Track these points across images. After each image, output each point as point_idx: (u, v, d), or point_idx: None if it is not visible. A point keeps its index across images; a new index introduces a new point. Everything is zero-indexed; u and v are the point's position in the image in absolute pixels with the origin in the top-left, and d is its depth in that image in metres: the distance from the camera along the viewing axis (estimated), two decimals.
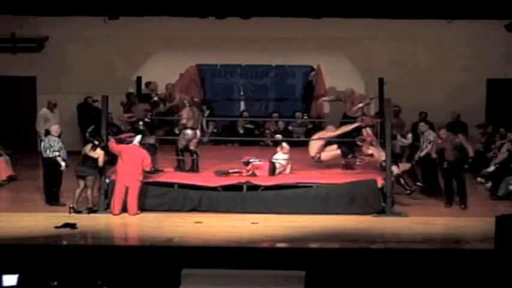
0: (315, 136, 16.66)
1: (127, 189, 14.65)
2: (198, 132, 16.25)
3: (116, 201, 14.65)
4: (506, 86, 20.10)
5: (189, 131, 15.98)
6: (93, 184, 14.86)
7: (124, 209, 14.66)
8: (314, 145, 16.30)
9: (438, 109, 19.73)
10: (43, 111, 18.95)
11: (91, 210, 14.75)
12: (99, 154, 14.85)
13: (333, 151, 16.29)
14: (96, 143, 14.96)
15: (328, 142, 16.40)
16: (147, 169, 14.86)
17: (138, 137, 15.22)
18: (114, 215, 14.59)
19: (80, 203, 14.89)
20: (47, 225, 13.81)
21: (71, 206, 14.74)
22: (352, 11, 16.13)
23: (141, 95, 18.28)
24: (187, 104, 16.31)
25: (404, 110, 18.64)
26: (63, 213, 14.62)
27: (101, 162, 14.82)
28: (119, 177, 14.70)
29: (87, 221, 14.20)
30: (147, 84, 18.90)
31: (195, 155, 16.03)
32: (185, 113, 16.10)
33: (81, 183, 14.87)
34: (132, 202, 14.62)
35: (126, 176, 14.66)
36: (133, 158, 14.74)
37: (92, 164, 14.85)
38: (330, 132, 16.65)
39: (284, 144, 16.07)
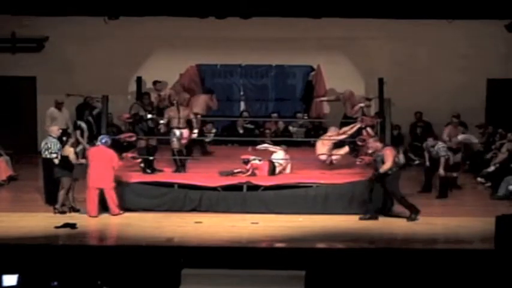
0: (319, 141, 16.49)
1: (101, 191, 14.55)
2: (186, 131, 16.06)
3: (91, 204, 14.54)
4: (506, 86, 20.10)
5: (176, 131, 15.97)
6: (68, 185, 14.67)
7: (104, 210, 14.64)
8: (322, 150, 16.15)
9: (438, 109, 19.75)
10: (50, 110, 18.86)
11: (59, 211, 14.57)
12: (68, 152, 14.77)
13: (342, 150, 16.28)
14: (64, 139, 14.92)
15: (335, 144, 16.39)
16: (116, 167, 14.74)
17: (101, 137, 15.05)
18: (91, 216, 14.45)
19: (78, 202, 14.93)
20: (46, 225, 13.80)
21: (70, 206, 14.75)
22: (352, 11, 16.15)
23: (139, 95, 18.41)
24: (175, 103, 16.28)
25: (404, 110, 18.61)
26: (55, 214, 14.59)
27: (72, 159, 14.69)
28: (91, 181, 14.54)
29: (87, 221, 14.20)
30: (155, 83, 18.88)
31: (183, 154, 16.05)
32: (169, 112, 16.09)
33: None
34: (112, 203, 14.57)
35: (98, 178, 14.52)
36: (101, 159, 14.63)
37: (65, 164, 14.71)
38: (334, 133, 16.56)
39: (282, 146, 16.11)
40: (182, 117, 15.97)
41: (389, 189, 14.32)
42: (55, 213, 14.58)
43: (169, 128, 15.95)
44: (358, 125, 16.35)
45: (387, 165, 14.23)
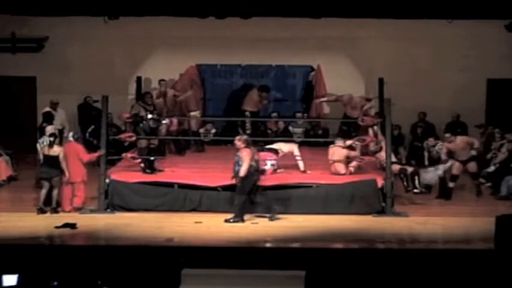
0: (333, 155, 15.91)
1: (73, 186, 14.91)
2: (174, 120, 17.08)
3: (65, 199, 14.85)
4: (507, 86, 20.08)
5: (163, 120, 16.63)
6: (59, 184, 14.80)
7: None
8: (340, 165, 15.73)
9: (438, 109, 19.75)
10: (45, 110, 18.95)
11: (54, 211, 14.69)
12: (58, 151, 14.83)
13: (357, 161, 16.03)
14: (52, 139, 14.95)
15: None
16: (85, 160, 14.99)
17: (70, 134, 15.52)
18: (65, 212, 14.71)
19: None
20: (47, 225, 13.82)
21: (38, 207, 14.76)
22: (352, 11, 16.14)
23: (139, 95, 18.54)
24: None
25: (404, 110, 18.54)
26: (63, 213, 14.68)
27: (61, 158, 14.76)
28: (64, 176, 14.84)
29: (87, 221, 14.21)
30: (160, 82, 18.92)
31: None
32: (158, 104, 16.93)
33: (46, 184, 14.81)
34: (79, 196, 14.89)
35: (71, 173, 14.79)
36: (71, 155, 14.91)
37: (55, 164, 14.77)
38: (343, 147, 16.17)
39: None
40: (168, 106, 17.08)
41: (239, 187, 14.21)
42: (52, 213, 14.67)
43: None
44: (360, 142, 16.03)
45: (244, 167, 14.11)
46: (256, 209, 14.43)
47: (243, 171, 14.10)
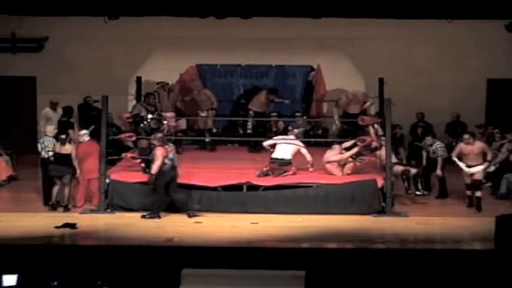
0: (329, 158, 15.84)
1: (89, 182, 15.20)
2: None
3: (81, 195, 15.19)
4: (507, 86, 20.09)
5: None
6: (70, 182, 14.99)
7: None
8: (335, 168, 15.74)
9: (438, 109, 19.74)
10: (45, 110, 18.98)
11: (66, 209, 14.88)
12: (70, 149, 14.99)
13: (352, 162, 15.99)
14: (63, 137, 15.11)
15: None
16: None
17: (84, 131, 15.73)
18: (78, 207, 15.01)
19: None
20: (46, 225, 13.82)
21: (51, 203, 14.93)
22: (352, 11, 16.13)
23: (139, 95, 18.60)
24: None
25: (403, 110, 18.47)
26: (63, 213, 14.67)
27: (74, 156, 14.95)
28: (85, 173, 15.12)
29: (87, 221, 14.21)
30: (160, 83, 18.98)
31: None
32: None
33: (58, 181, 14.97)
34: (96, 194, 15.10)
35: (89, 170, 15.07)
36: (91, 152, 15.16)
37: (66, 162, 14.91)
38: (337, 151, 16.12)
39: None
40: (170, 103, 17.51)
41: (156, 184, 14.43)
42: (64, 211, 14.82)
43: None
44: (358, 147, 15.96)
45: (156, 164, 14.39)
46: (176, 206, 14.62)
47: (154, 169, 14.40)
